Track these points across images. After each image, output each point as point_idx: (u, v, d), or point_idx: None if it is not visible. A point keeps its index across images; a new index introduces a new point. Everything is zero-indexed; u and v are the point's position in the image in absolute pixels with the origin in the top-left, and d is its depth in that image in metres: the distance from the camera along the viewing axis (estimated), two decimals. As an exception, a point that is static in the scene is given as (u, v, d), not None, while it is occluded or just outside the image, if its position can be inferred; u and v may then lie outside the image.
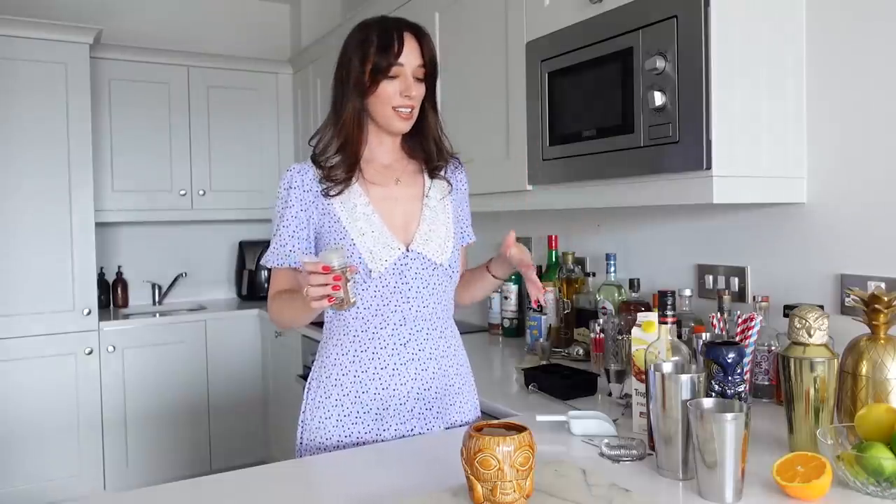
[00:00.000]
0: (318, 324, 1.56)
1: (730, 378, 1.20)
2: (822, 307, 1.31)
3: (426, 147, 1.47)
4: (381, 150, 1.45)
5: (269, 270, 1.45)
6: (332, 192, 1.38)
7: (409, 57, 1.35)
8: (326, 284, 1.16)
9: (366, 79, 1.35)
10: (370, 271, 1.35)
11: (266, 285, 4.03)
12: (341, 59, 1.40)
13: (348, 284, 1.19)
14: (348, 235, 1.36)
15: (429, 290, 1.41)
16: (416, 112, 1.40)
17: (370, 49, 1.34)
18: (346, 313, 1.38)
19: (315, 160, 1.41)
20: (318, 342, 2.95)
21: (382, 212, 1.40)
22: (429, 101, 1.43)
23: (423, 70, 1.38)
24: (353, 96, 1.37)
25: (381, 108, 1.37)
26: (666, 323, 1.28)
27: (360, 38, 1.37)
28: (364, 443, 1.38)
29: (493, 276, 1.52)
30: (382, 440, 1.38)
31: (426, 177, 1.48)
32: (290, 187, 1.40)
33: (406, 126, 1.40)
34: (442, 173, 1.49)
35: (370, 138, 1.43)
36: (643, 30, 1.59)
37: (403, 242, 1.39)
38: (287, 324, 1.44)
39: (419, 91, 1.38)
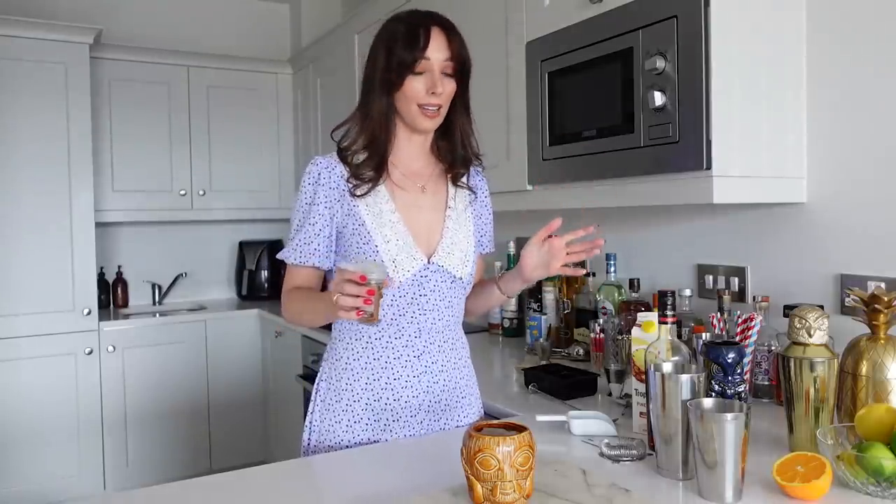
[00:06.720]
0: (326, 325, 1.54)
1: (730, 378, 1.20)
2: (822, 307, 1.30)
3: (454, 150, 1.42)
4: (410, 149, 1.40)
5: (284, 265, 1.42)
6: (358, 192, 1.34)
7: (436, 51, 1.30)
8: (359, 296, 1.13)
9: (392, 74, 1.30)
10: (391, 280, 1.32)
11: (266, 285, 4.04)
12: (370, 54, 1.36)
13: (380, 301, 1.17)
14: (372, 241, 1.33)
15: (445, 302, 1.39)
16: (444, 110, 1.35)
17: (396, 43, 1.30)
18: None
19: (341, 155, 1.37)
20: (319, 342, 2.94)
21: (407, 220, 1.36)
22: (460, 99, 1.38)
23: (451, 65, 1.32)
24: (381, 93, 1.33)
25: (407, 105, 1.32)
26: (666, 323, 1.28)
27: (388, 32, 1.33)
28: None
29: (500, 291, 1.47)
30: None
31: (449, 183, 1.44)
32: (318, 183, 1.36)
33: (432, 125, 1.35)
34: (464, 180, 1.46)
35: (399, 136, 1.38)
36: (643, 30, 1.59)
37: (425, 254, 1.36)
38: (303, 323, 1.41)
39: (448, 88, 1.32)
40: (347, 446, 1.36)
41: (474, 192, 1.48)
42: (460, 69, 1.34)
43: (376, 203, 1.35)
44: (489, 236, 1.54)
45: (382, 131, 1.34)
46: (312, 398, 1.44)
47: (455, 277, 1.39)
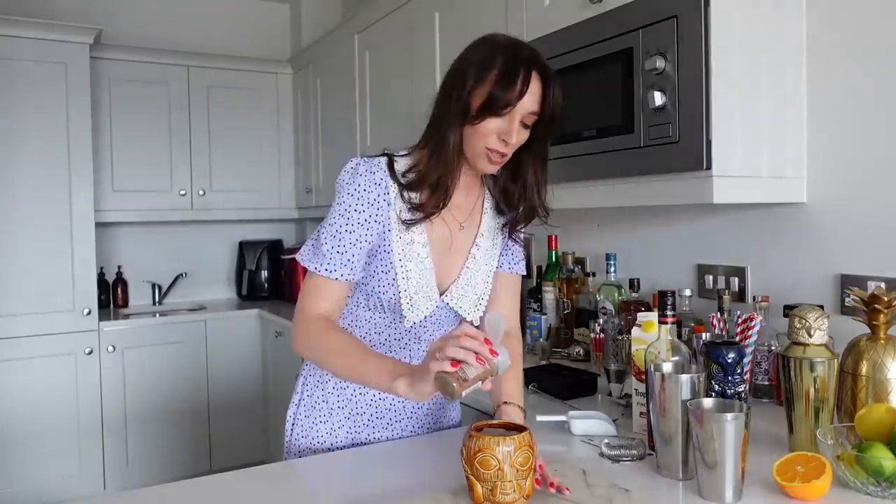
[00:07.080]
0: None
1: (730, 378, 1.20)
2: (822, 307, 1.30)
3: (522, 198, 1.29)
4: (464, 181, 1.28)
5: (295, 270, 1.33)
6: (409, 221, 1.21)
7: (527, 100, 1.15)
8: (473, 353, 0.97)
9: (474, 105, 1.15)
10: (403, 318, 1.26)
11: (266, 285, 4.02)
12: (456, 70, 1.20)
13: (473, 385, 0.99)
14: (392, 270, 1.23)
15: (442, 331, 1.34)
16: (507, 158, 1.22)
17: (490, 75, 1.14)
18: (355, 329, 1.32)
19: (390, 168, 1.23)
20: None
21: (434, 256, 1.27)
22: (540, 145, 1.25)
23: (534, 118, 1.18)
24: (455, 119, 1.18)
25: (474, 142, 1.18)
26: (666, 323, 1.28)
27: (484, 56, 1.17)
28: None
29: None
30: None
31: (484, 216, 1.34)
32: (377, 191, 1.21)
33: (492, 169, 1.23)
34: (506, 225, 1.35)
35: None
36: (643, 30, 1.59)
37: (439, 291, 1.29)
38: (329, 369, 1.26)
39: (520, 138, 1.19)
40: (330, 447, 1.36)
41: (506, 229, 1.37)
42: (546, 123, 1.21)
43: (409, 232, 1.24)
44: (518, 258, 1.43)
45: (454, 166, 1.20)
46: (299, 390, 1.43)
47: (461, 318, 1.33)
